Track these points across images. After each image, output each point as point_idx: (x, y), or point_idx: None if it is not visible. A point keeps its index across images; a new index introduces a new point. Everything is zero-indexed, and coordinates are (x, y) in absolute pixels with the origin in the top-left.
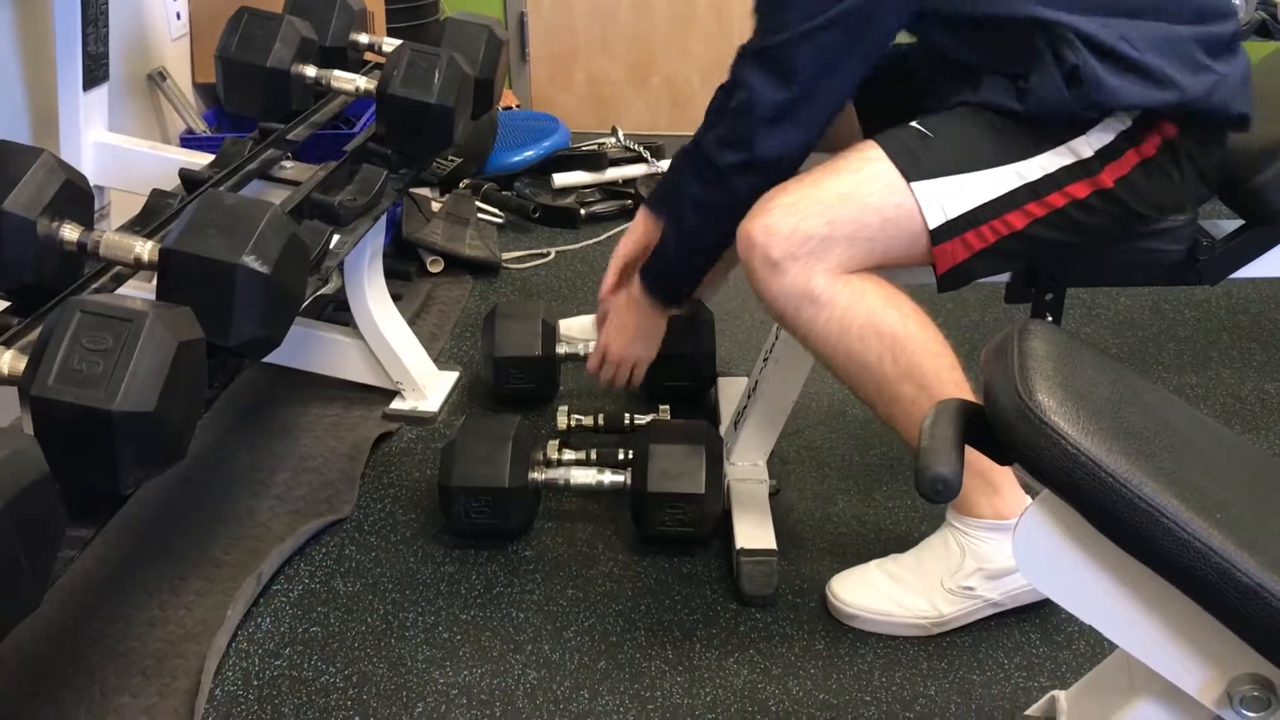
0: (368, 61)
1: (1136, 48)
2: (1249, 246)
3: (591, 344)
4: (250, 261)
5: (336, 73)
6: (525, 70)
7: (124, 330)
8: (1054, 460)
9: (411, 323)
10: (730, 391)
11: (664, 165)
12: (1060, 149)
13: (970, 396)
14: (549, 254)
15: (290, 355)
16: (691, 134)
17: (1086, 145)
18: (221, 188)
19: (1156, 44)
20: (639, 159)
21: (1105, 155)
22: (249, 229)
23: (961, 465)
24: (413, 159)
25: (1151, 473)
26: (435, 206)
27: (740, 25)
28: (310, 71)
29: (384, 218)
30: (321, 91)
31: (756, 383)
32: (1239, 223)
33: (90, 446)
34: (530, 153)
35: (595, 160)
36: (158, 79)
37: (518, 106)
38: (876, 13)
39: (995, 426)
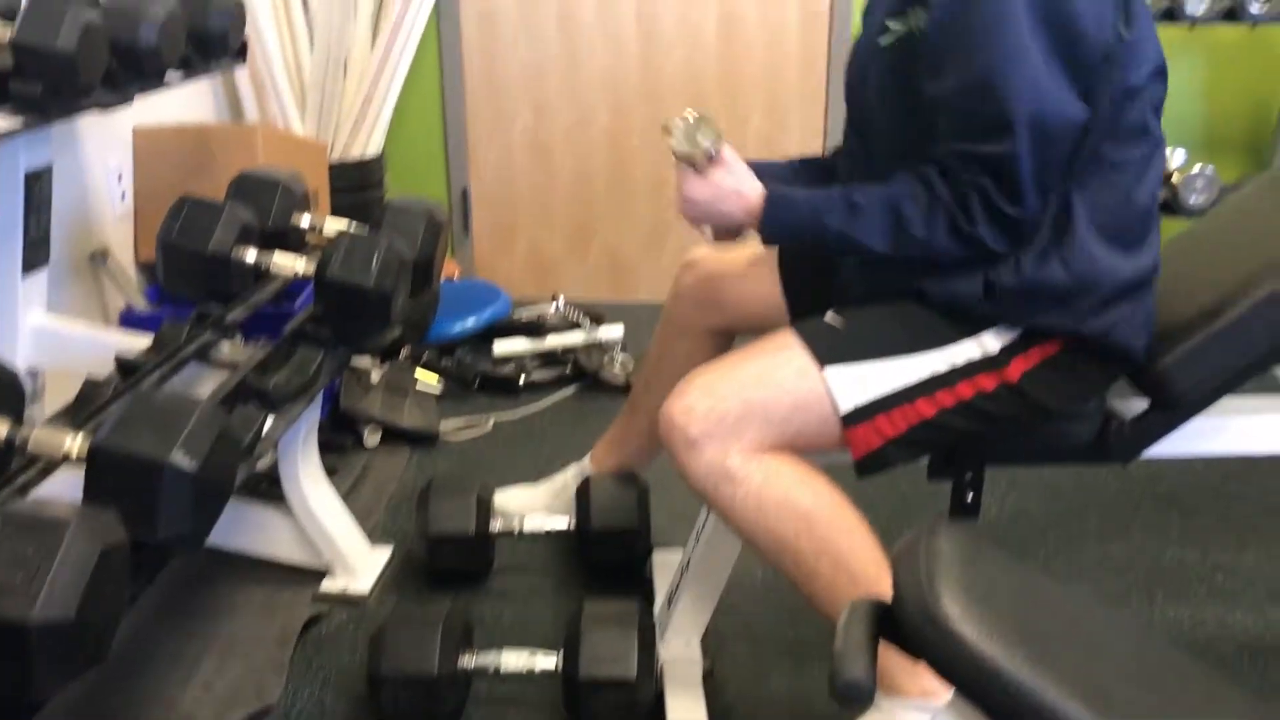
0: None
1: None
2: (1157, 426)
3: (529, 517)
4: (178, 459)
5: (277, 257)
6: (468, 241)
7: (46, 538)
8: (959, 665)
9: (346, 497)
10: (665, 566)
11: (603, 333)
12: (969, 341)
13: (886, 574)
14: (488, 423)
15: (220, 534)
16: (632, 300)
17: (995, 340)
18: (157, 374)
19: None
20: (578, 326)
21: (1012, 350)
22: (178, 425)
23: (874, 669)
24: (351, 339)
25: (1055, 677)
26: (375, 376)
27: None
28: (251, 255)
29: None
30: (262, 274)
31: (689, 560)
32: (1148, 402)
33: (6, 657)
34: (471, 322)
35: (535, 328)
36: (99, 259)
37: (460, 276)
38: None
39: (903, 629)
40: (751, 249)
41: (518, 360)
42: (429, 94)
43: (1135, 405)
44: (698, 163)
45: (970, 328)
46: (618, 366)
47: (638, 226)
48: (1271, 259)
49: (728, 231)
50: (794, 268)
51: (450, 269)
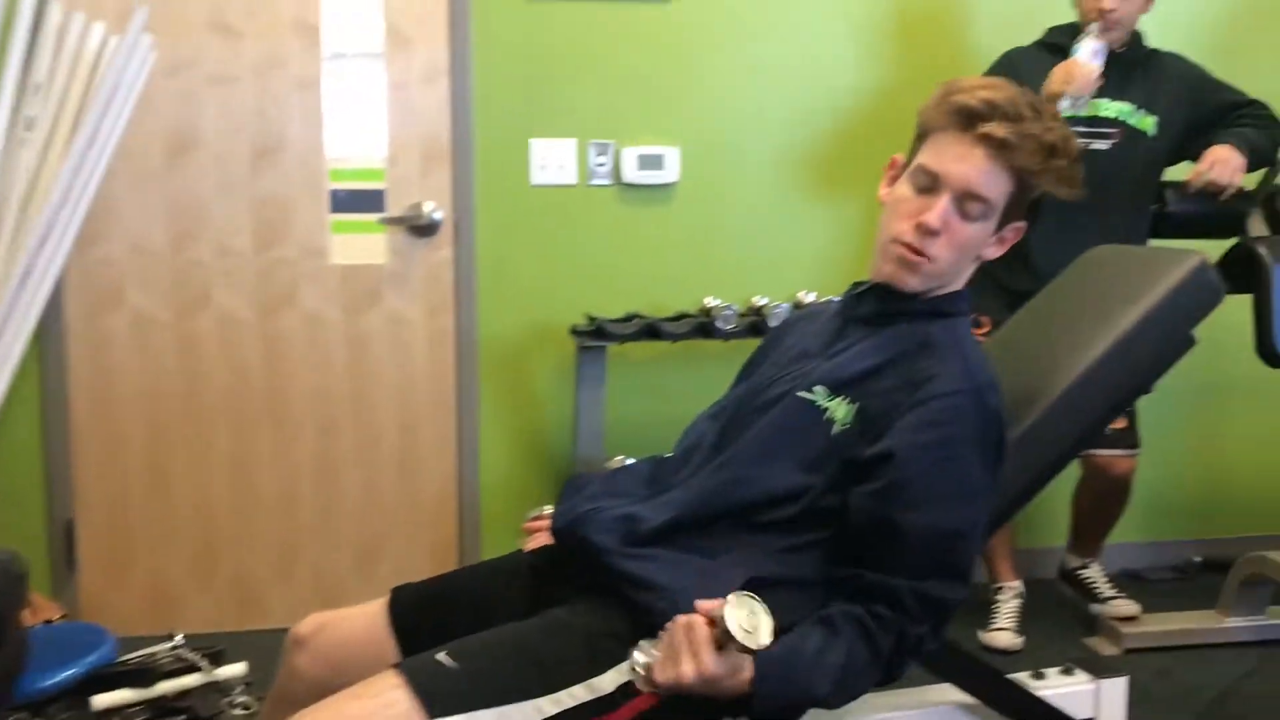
0: None
1: None
2: None
3: None
4: None
5: None
6: (73, 578)
7: None
8: None
9: None
10: None
11: (222, 672)
12: (581, 685)
13: None
14: None
15: None
16: (262, 628)
17: (610, 679)
18: None
19: None
20: (195, 668)
21: (628, 691)
22: None
23: None
24: None
25: None
26: None
27: (309, 506)
28: None
29: None
30: None
31: None
32: None
33: None
34: (69, 672)
35: (144, 676)
36: None
37: (64, 618)
38: None
39: None
40: (369, 608)
41: (122, 713)
42: (26, 426)
43: None
44: (733, 646)
45: (585, 669)
46: (237, 709)
47: (266, 550)
48: None
49: None
50: (407, 602)
51: (50, 611)
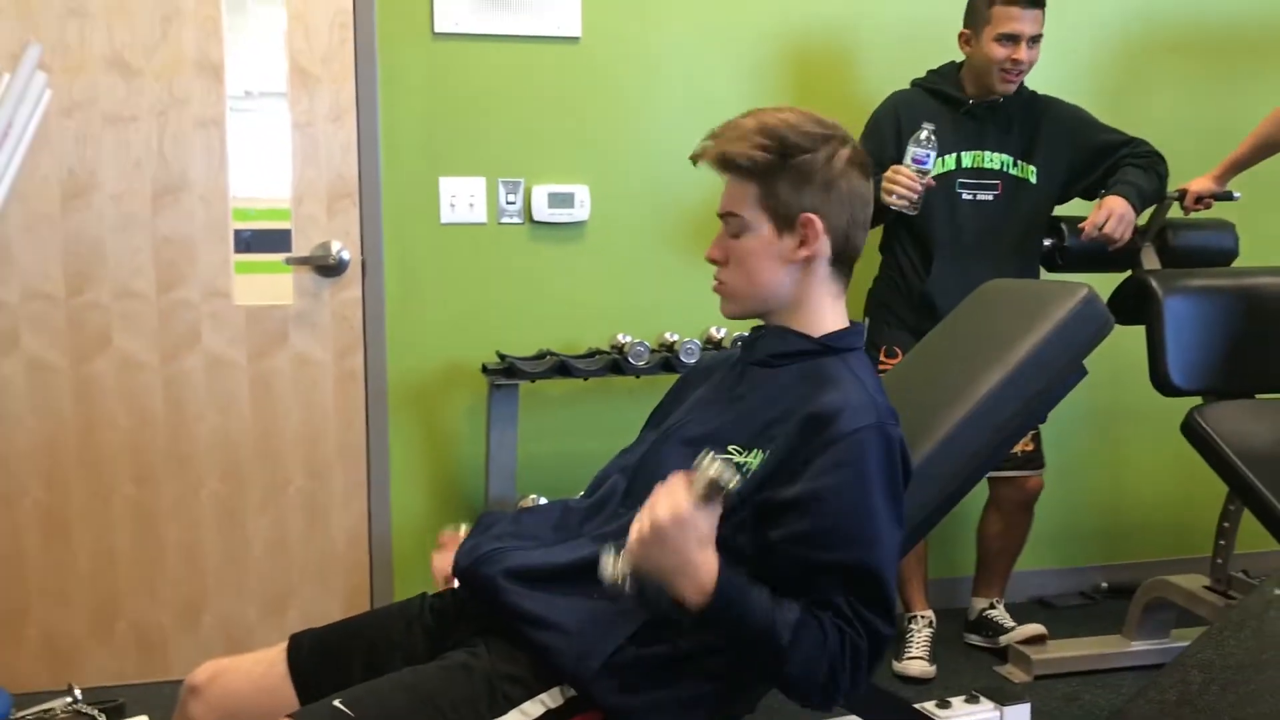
0: None
1: None
2: None
3: None
4: None
5: None
6: None
7: None
8: None
9: None
10: None
11: None
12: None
13: None
14: None
15: None
16: (165, 679)
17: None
18: None
19: None
20: None
21: None
22: None
23: None
24: None
25: None
26: None
27: (214, 553)
28: None
29: None
30: None
31: None
32: None
33: None
34: None
35: None
36: None
37: None
38: None
39: None
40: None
41: None
42: None
43: None
44: (708, 492)
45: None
46: None
47: (169, 600)
48: None
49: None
50: (305, 649)
51: None
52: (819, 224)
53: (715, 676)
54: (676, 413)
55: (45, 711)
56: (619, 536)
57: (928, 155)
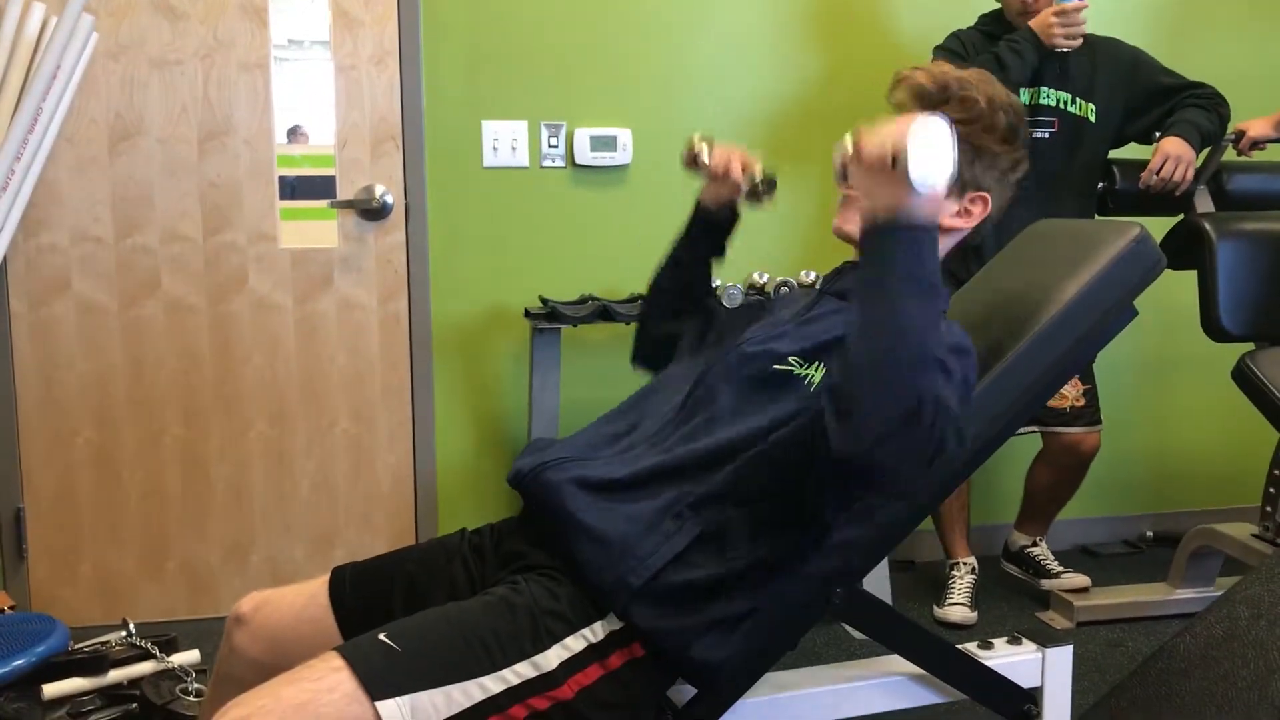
0: None
1: None
2: (709, 710)
3: None
4: None
5: None
6: (22, 568)
7: None
8: None
9: None
10: None
11: (176, 659)
12: (525, 663)
13: None
14: None
15: None
16: (214, 616)
17: (554, 656)
18: None
19: None
20: (147, 655)
21: (571, 666)
22: None
23: None
24: None
25: None
26: None
27: (262, 493)
28: None
29: None
30: None
31: None
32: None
33: None
34: (20, 662)
35: (96, 664)
36: None
37: (12, 608)
38: None
39: None
40: (308, 587)
41: (74, 702)
42: None
43: (686, 691)
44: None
45: (528, 645)
46: (192, 696)
47: (218, 539)
48: None
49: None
50: (347, 581)
51: (1, 600)
52: (987, 207)
53: (757, 607)
54: (748, 330)
55: (102, 643)
56: (677, 445)
57: None
